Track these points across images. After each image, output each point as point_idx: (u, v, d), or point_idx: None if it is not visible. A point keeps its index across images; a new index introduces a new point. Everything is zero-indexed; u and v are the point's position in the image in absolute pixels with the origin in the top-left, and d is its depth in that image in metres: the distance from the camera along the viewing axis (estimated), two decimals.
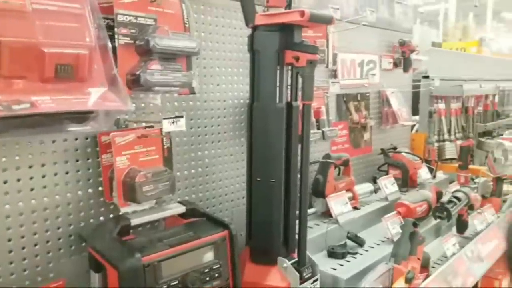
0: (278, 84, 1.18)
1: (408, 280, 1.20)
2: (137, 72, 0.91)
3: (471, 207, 1.72)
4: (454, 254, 1.54)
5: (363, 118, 2.08)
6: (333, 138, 1.63)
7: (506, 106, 3.40)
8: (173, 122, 0.97)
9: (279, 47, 1.16)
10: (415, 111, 2.59)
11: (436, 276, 1.34)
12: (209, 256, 1.02)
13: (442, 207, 1.54)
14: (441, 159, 2.43)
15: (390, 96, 2.22)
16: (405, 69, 2.35)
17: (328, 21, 1.16)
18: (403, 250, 1.24)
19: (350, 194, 1.72)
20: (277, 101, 1.18)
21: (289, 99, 1.22)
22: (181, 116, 0.99)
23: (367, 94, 2.13)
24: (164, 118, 0.96)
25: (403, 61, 2.34)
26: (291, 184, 1.23)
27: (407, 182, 1.99)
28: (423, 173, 2.11)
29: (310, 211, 1.63)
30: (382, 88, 2.22)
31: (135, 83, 0.92)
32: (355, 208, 1.72)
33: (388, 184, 1.88)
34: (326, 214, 1.61)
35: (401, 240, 1.26)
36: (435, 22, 16.31)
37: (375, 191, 1.88)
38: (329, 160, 1.63)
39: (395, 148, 2.12)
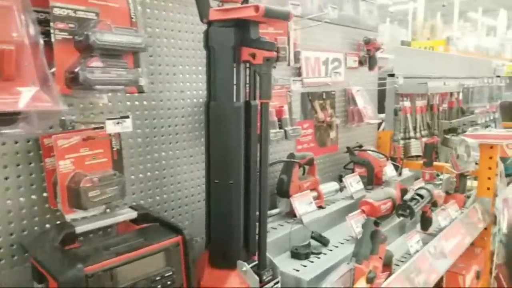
0: (234, 82, 1.14)
1: (370, 280, 1.18)
2: (76, 70, 0.85)
3: (434, 204, 1.73)
4: (417, 251, 1.54)
5: (329, 116, 2.07)
6: (296, 138, 1.61)
7: (471, 103, 3.48)
8: (118, 123, 0.91)
9: (234, 44, 1.12)
10: (381, 109, 2.60)
11: (398, 275, 1.34)
12: (160, 263, 0.97)
13: (405, 205, 1.54)
14: (407, 156, 2.46)
15: (356, 95, 2.21)
16: (371, 67, 2.35)
17: (285, 17, 1.13)
18: (364, 249, 1.22)
19: (315, 194, 1.70)
20: (234, 100, 1.14)
21: (247, 98, 1.18)
22: (127, 117, 0.93)
23: (333, 93, 2.12)
24: (108, 119, 0.90)
25: (368, 59, 2.34)
26: (250, 185, 1.19)
27: (372, 180, 1.99)
28: (389, 171, 2.12)
29: (274, 211, 1.60)
30: (348, 87, 2.21)
31: (74, 81, 0.86)
32: (320, 207, 1.70)
33: (354, 183, 1.87)
34: (291, 214, 1.58)
35: (363, 239, 1.24)
36: (405, 21, 16.72)
37: (341, 189, 1.87)
38: (293, 160, 1.60)
39: (360, 146, 2.11)
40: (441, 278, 1.84)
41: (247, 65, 1.16)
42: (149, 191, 1.30)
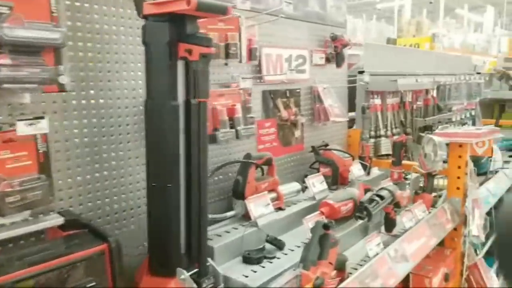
0: (171, 80, 1.08)
1: (317, 287, 1.13)
2: None
3: (397, 204, 1.68)
4: (377, 254, 1.50)
5: (293, 115, 2.02)
6: (249, 137, 1.55)
7: (448, 101, 3.44)
8: (30, 124, 0.84)
9: (169, 39, 1.06)
10: (353, 107, 2.56)
11: (352, 280, 1.29)
12: (79, 273, 0.90)
13: (362, 207, 1.49)
14: (377, 155, 2.41)
15: (322, 92, 2.16)
16: (338, 64, 2.30)
17: (221, 11, 1.07)
18: (312, 254, 1.17)
19: (273, 195, 1.64)
20: (172, 98, 1.08)
21: (187, 96, 1.12)
22: (42, 117, 0.86)
23: (297, 90, 2.07)
24: (19, 120, 0.84)
25: (336, 56, 2.29)
26: (192, 188, 1.13)
27: (337, 180, 1.94)
28: (356, 170, 2.07)
29: (229, 214, 1.54)
30: (314, 84, 2.16)
31: None
32: (279, 208, 1.65)
33: (317, 183, 1.82)
34: (246, 217, 1.52)
35: (310, 244, 1.19)
36: (392, 19, 16.73)
37: (303, 190, 1.82)
38: (248, 160, 1.54)
39: (326, 145, 2.06)
40: (408, 282, 1.81)
41: (185, 61, 1.10)
42: (88, 195, 1.23)
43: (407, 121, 2.73)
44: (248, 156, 1.58)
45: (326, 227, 1.23)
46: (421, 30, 12.04)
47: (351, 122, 2.58)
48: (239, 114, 1.48)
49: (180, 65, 1.09)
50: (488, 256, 2.57)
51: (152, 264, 1.14)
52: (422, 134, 2.72)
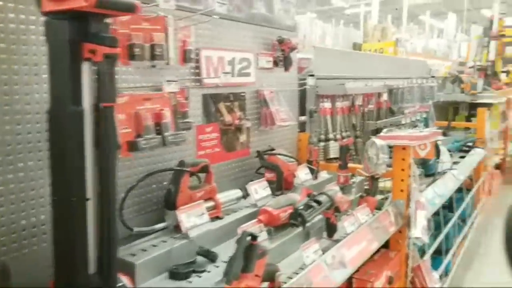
0: (74, 83, 0.99)
1: None
2: None
3: (337, 209, 1.65)
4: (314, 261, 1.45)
5: (238, 119, 1.96)
6: (178, 144, 1.47)
7: (401, 104, 3.48)
8: None
9: (70, 38, 0.97)
10: (305, 111, 2.53)
11: None
12: None
13: (297, 213, 1.44)
14: (327, 158, 2.39)
15: (269, 96, 2.12)
16: (286, 68, 2.27)
17: (128, 9, 0.99)
18: (235, 268, 1.11)
19: (211, 203, 1.57)
20: (75, 103, 0.99)
21: (93, 101, 1.03)
22: None
23: (242, 94, 2.01)
24: None
25: (284, 60, 2.26)
26: (101, 201, 1.04)
27: (281, 185, 1.89)
28: (302, 175, 2.03)
29: (158, 226, 1.45)
30: (261, 88, 2.11)
31: None
32: (217, 218, 1.58)
33: (259, 189, 1.77)
34: (178, 228, 1.44)
35: (235, 256, 1.13)
36: (360, 24, 17.09)
37: (244, 197, 1.75)
38: (180, 168, 1.47)
39: (272, 150, 2.01)
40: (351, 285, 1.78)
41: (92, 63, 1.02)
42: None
43: (358, 125, 2.73)
44: (181, 163, 1.50)
45: (253, 237, 1.17)
46: (386, 35, 12.35)
47: (304, 126, 2.56)
48: (167, 119, 1.40)
49: (86, 67, 1.00)
50: (436, 256, 2.59)
51: (56, 286, 1.04)
52: (373, 137, 2.73)
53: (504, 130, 5.90)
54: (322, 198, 1.57)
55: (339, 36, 12.51)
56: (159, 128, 1.38)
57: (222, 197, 1.65)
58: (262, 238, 1.44)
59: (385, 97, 3.04)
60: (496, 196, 5.12)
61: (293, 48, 2.27)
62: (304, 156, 2.27)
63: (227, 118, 1.91)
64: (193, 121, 1.67)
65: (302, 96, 2.50)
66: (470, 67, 5.76)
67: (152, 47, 1.36)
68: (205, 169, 1.58)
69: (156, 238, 1.42)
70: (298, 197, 1.68)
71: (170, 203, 1.46)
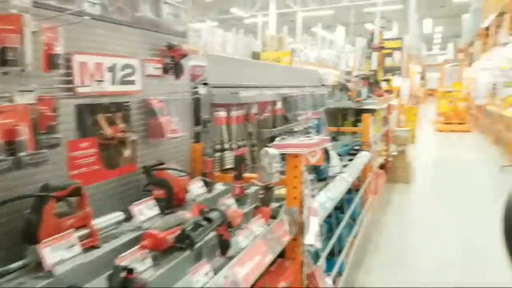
0: None
1: None
2: None
3: (230, 224, 1.58)
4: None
5: (121, 132, 1.78)
6: (38, 165, 1.25)
7: (295, 111, 3.60)
8: None
9: None
10: (198, 120, 2.43)
11: None
12: None
13: (183, 235, 1.34)
14: (223, 169, 2.32)
15: (158, 106, 1.97)
16: (177, 76, 2.15)
17: None
18: None
19: (85, 231, 1.37)
20: None
21: None
22: None
23: (126, 104, 1.83)
24: None
25: (174, 67, 2.14)
26: None
27: (171, 202, 1.76)
28: (196, 189, 1.93)
29: (14, 265, 1.20)
30: (148, 97, 1.95)
31: None
32: (92, 247, 1.38)
33: (145, 209, 1.61)
34: (42, 265, 1.22)
35: None
36: (259, 34, 17.73)
37: (129, 219, 1.58)
38: (41, 194, 1.25)
39: (161, 164, 1.87)
40: None
41: None
42: None
43: (254, 133, 2.72)
44: (45, 187, 1.28)
45: (130, 271, 1.02)
46: (283, 45, 12.98)
47: (198, 137, 2.45)
48: (22, 136, 1.17)
49: None
50: (330, 258, 2.71)
51: None
52: (268, 146, 2.75)
53: (386, 133, 6.56)
54: (214, 214, 1.48)
55: (239, 45, 12.80)
56: (12, 147, 1.15)
57: (99, 222, 1.46)
58: (146, 266, 1.29)
59: (279, 105, 3.10)
60: (381, 194, 5.65)
61: (184, 55, 2.16)
62: (198, 168, 2.16)
63: (108, 131, 1.72)
64: (62, 136, 1.45)
65: (196, 105, 2.40)
66: (355, 76, 6.28)
67: (3, 50, 1.13)
68: (76, 192, 1.38)
69: (13, 279, 1.18)
70: (188, 215, 1.57)
71: (29, 236, 1.23)
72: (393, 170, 6.74)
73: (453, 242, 4.32)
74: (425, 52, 31.08)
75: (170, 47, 2.11)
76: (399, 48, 12.53)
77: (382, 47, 7.36)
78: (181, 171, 1.86)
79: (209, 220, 1.43)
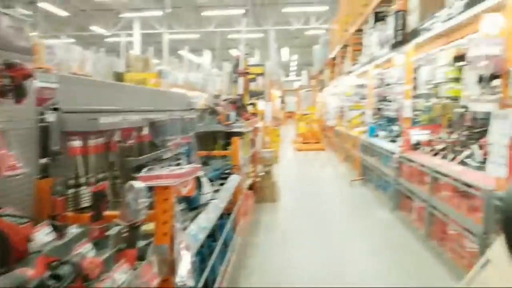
0: None
1: None
2: None
3: (86, 277, 1.34)
4: None
5: None
6: None
7: (163, 137, 3.43)
8: None
9: None
10: (47, 152, 2.07)
11: None
12: None
13: None
14: (79, 208, 2.01)
15: None
16: (18, 100, 1.80)
17: None
18: None
19: None
20: None
21: None
22: None
23: None
24: None
25: (14, 89, 1.78)
26: None
27: (7, 258, 1.41)
28: (42, 236, 1.60)
29: None
30: None
31: None
32: None
33: None
34: None
35: None
36: (122, 53, 16.92)
37: None
38: None
39: None
40: None
41: None
42: None
43: (116, 163, 2.46)
44: None
45: None
46: (148, 66, 12.61)
47: (47, 171, 2.09)
48: None
49: None
50: None
51: None
52: (134, 176, 2.52)
53: (253, 155, 6.83)
54: (64, 269, 1.23)
55: (100, 64, 11.94)
56: None
57: None
58: None
59: (146, 130, 2.90)
60: (251, 215, 5.81)
61: (28, 75, 1.82)
62: (46, 209, 1.83)
63: None
64: None
65: (44, 134, 2.05)
66: (223, 100, 6.42)
67: None
68: None
69: None
70: (30, 272, 1.27)
71: None
72: (260, 190, 7.03)
73: (323, 253, 4.67)
74: (283, 78, 34.11)
75: (9, 66, 1.76)
76: (262, 74, 13.42)
77: (247, 73, 7.75)
78: (22, 216, 1.52)
79: (58, 278, 1.18)
